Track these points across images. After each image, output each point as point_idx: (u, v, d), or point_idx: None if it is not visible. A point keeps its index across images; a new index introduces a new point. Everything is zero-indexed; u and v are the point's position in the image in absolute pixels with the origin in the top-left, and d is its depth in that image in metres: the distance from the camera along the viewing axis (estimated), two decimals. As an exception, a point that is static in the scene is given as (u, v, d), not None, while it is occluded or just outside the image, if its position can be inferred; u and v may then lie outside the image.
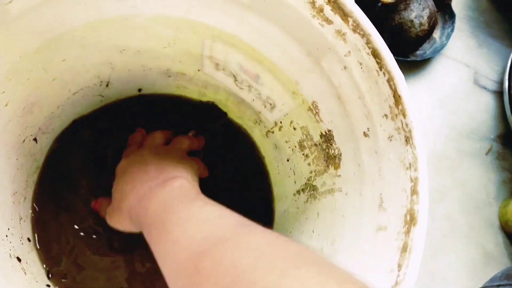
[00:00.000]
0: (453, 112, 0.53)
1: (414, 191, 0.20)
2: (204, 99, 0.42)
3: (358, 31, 0.23)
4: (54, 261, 0.36)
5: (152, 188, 0.28)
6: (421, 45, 0.54)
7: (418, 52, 0.56)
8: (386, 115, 0.23)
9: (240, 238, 0.20)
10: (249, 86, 0.36)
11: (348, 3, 0.23)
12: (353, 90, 0.25)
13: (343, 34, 0.24)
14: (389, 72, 0.22)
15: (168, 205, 0.26)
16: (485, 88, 0.56)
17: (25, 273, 0.32)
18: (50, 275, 0.35)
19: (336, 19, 0.24)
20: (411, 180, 0.20)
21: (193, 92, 0.41)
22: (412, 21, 0.51)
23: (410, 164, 0.20)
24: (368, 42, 0.23)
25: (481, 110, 0.54)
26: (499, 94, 0.55)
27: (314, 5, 0.24)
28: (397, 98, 0.22)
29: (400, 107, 0.21)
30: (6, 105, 0.29)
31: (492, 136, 0.53)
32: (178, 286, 0.21)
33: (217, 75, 0.37)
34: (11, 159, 0.32)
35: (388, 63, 0.22)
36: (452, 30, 0.55)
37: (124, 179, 0.32)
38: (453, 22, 0.56)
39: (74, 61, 0.31)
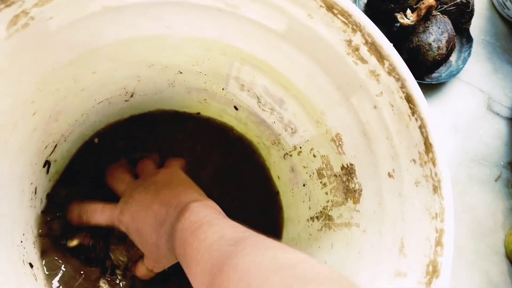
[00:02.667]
0: (466, 136, 0.54)
1: (438, 243, 0.20)
2: (225, 116, 0.42)
3: (393, 74, 0.23)
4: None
5: (172, 223, 0.30)
6: (437, 68, 0.54)
7: (433, 75, 0.56)
8: (414, 160, 0.23)
9: (238, 258, 0.22)
10: (271, 109, 0.36)
11: (386, 47, 0.23)
12: (381, 129, 0.25)
13: (377, 75, 0.24)
14: (422, 119, 0.22)
15: (183, 239, 0.27)
16: (498, 114, 0.56)
17: (36, 280, 0.32)
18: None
19: (372, 59, 0.24)
20: (436, 231, 0.20)
21: (214, 108, 0.41)
22: (430, 44, 0.51)
23: (436, 214, 0.20)
24: (402, 86, 0.23)
25: (493, 136, 0.54)
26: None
27: (350, 43, 0.24)
28: (428, 146, 0.22)
29: (430, 155, 0.21)
30: (34, 114, 0.29)
31: (502, 163, 0.53)
32: None
33: (241, 95, 0.37)
34: (32, 165, 0.33)
35: (422, 110, 0.22)
36: (469, 55, 0.55)
37: (141, 215, 0.33)
38: (470, 47, 0.56)
39: (103, 73, 0.32)
